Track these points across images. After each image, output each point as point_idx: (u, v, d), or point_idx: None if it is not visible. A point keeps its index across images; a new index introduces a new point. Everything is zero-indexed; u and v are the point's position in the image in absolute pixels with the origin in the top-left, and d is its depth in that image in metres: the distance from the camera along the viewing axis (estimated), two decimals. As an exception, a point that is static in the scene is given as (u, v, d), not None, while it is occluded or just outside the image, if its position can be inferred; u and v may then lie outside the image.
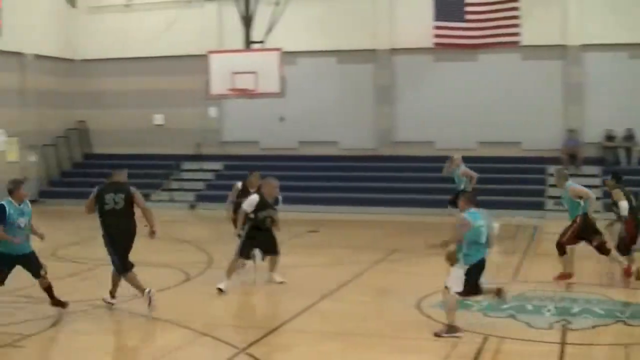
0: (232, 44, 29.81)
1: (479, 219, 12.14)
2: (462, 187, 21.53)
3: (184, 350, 11.65)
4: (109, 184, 14.45)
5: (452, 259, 12.36)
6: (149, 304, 13.52)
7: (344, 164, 31.44)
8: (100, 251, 18.23)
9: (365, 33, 31.62)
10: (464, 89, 30.75)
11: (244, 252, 15.69)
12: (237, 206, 16.48)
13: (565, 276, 16.16)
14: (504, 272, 16.61)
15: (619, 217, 16.61)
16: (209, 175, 32.66)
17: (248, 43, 27.37)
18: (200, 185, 32.16)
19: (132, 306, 14.15)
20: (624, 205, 16.13)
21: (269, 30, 27.24)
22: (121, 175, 14.58)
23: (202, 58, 27.39)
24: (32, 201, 30.09)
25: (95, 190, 14.36)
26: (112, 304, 14.15)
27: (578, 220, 15.97)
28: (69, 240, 22.06)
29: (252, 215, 15.45)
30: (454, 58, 30.60)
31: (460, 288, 12.00)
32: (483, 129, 30.47)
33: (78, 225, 23.68)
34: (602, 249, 16.21)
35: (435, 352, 11.47)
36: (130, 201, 14.10)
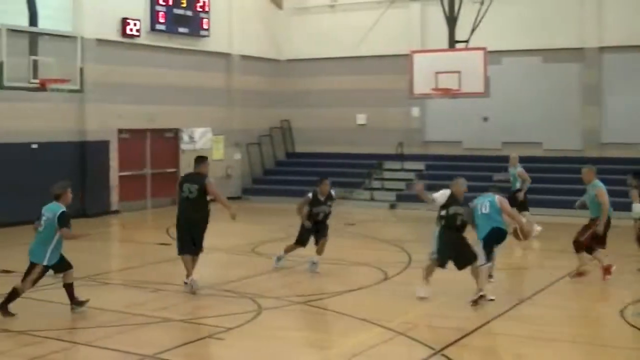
0: (435, 44, 29.59)
1: None
2: (516, 186, 22.98)
3: (379, 349, 11.54)
4: (189, 174, 16.06)
5: None
6: (190, 290, 14.97)
7: (548, 166, 30.64)
8: (304, 249, 18.49)
9: (572, 31, 30.74)
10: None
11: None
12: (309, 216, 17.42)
13: (580, 274, 16.39)
14: None
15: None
16: (410, 175, 32.49)
17: (452, 42, 27.05)
18: (401, 185, 32.04)
19: (326, 304, 14.19)
20: (636, 208, 16.85)
21: (474, 29, 26.85)
22: (201, 167, 15.75)
23: (405, 58, 27.25)
24: (235, 198, 31.06)
25: (179, 180, 16.17)
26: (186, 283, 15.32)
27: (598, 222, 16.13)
28: (270, 237, 22.40)
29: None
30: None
31: None
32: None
33: (280, 223, 24.03)
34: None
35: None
36: (204, 191, 15.29)
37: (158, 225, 24.63)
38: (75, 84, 20.05)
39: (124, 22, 28.52)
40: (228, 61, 33.59)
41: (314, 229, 17.41)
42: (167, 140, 31.06)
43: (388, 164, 33.43)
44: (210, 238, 20.76)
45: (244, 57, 34.12)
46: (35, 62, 19.27)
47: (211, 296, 14.82)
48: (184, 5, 30.71)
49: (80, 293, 15.18)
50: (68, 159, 26.52)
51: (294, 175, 32.70)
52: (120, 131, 28.82)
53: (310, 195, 17.40)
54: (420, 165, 32.83)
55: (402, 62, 28.52)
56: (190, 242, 15.49)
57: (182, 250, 15.50)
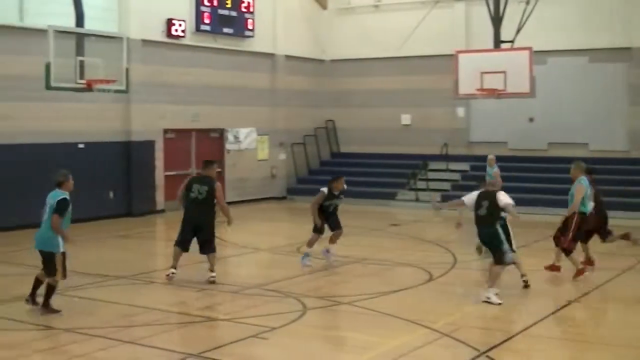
0: (479, 44, 29.41)
1: None
2: None
3: (424, 350, 11.47)
4: (200, 175, 16.77)
5: None
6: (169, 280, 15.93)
7: (595, 167, 30.30)
8: (348, 249, 18.48)
9: (619, 30, 30.41)
10: None
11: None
12: (320, 209, 18.21)
13: (554, 268, 16.73)
14: None
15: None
16: (455, 176, 32.35)
17: (497, 42, 26.88)
18: (446, 185, 31.89)
19: (371, 304, 14.16)
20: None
21: (519, 29, 26.66)
22: (209, 170, 16.58)
23: (450, 58, 27.12)
24: (280, 198, 31.01)
25: (186, 180, 16.70)
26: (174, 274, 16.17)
27: (576, 218, 16.38)
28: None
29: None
30: None
31: None
32: None
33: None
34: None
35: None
36: (212, 194, 16.01)
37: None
38: (121, 84, 20.18)
39: (169, 22, 28.67)
40: (272, 61, 33.66)
41: (325, 217, 18.26)
42: (213, 140, 31.18)
43: (433, 165, 33.30)
44: (254, 238, 20.83)
45: (289, 58, 34.18)
46: (81, 63, 19.42)
47: (256, 296, 14.85)
48: (229, 5, 30.83)
49: (126, 291, 15.35)
50: (114, 158, 26.73)
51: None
52: (166, 131, 28.99)
53: (325, 190, 18.17)
54: (465, 166, 32.66)
55: (446, 62, 28.38)
56: (189, 240, 16.28)
57: (178, 243, 16.33)
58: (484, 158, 31.38)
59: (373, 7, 35.33)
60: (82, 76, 19.33)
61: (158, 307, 13.90)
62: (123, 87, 20.24)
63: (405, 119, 34.69)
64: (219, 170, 30.50)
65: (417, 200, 31.17)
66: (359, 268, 17.87)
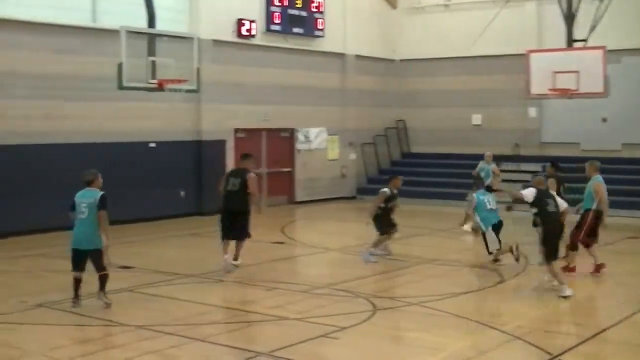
0: (551, 43, 29.06)
1: None
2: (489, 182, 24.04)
3: (494, 353, 11.35)
4: (235, 169, 18.54)
5: None
6: (224, 268, 16.95)
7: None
8: (418, 249, 18.38)
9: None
10: None
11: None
12: (382, 211, 18.65)
13: (569, 269, 16.68)
14: None
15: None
16: (527, 177, 32.00)
17: (570, 41, 26.53)
18: (517, 186, 31.54)
19: (441, 305, 14.07)
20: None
21: (593, 27, 26.29)
22: (246, 163, 17.81)
23: (521, 57, 26.82)
24: (350, 198, 30.92)
25: (225, 174, 18.13)
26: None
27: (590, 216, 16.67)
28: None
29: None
30: None
31: None
32: None
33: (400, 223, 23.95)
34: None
35: None
36: (245, 185, 17.08)
37: (273, 223, 24.77)
38: (192, 84, 20.31)
39: (240, 22, 28.81)
40: (342, 61, 33.65)
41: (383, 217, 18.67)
42: (283, 140, 31.26)
43: (504, 165, 32.91)
44: (324, 238, 20.82)
45: (359, 57, 34.15)
46: (153, 63, 19.58)
47: (326, 296, 14.84)
48: (299, 5, 30.89)
49: (196, 290, 15.45)
50: (185, 157, 26.93)
51: (410, 176, 32.45)
52: (236, 131, 29.14)
53: (387, 191, 18.59)
54: (536, 167, 32.25)
55: (517, 62, 28.05)
56: (228, 229, 17.28)
57: (223, 236, 17.36)
58: (555, 159, 31.09)
59: (443, 6, 35.14)
60: (153, 76, 19.48)
61: (228, 306, 13.98)
62: (194, 87, 20.36)
63: (476, 119, 34.45)
64: (289, 170, 30.74)
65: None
66: (429, 269, 17.78)
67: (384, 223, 18.69)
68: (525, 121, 33.15)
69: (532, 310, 13.97)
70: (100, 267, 13.86)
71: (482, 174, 24.32)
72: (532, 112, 32.91)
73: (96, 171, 14.37)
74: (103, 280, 13.93)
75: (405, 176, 32.50)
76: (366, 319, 13.02)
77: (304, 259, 19.98)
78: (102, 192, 13.95)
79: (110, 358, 10.77)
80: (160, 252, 19.64)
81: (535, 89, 25.82)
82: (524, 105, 32.07)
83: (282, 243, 21.34)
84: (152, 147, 25.90)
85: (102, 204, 13.81)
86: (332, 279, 16.39)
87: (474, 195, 19.00)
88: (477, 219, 18.48)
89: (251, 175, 17.27)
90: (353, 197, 33.61)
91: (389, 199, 18.60)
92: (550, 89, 25.13)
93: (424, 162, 34.20)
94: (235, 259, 17.39)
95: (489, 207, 18.44)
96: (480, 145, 33.27)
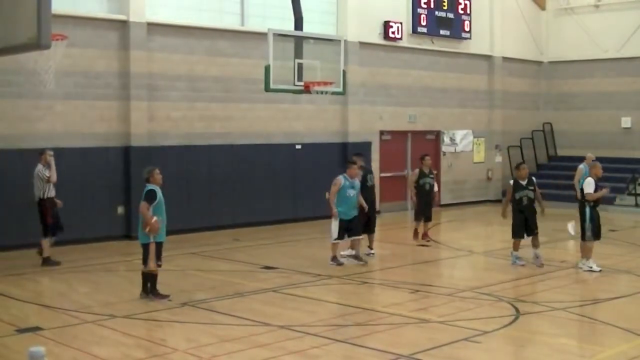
0: None
1: None
2: None
3: (641, 361, 11.12)
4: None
5: None
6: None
7: None
8: (560, 254, 18.06)
9: None
10: None
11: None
12: (516, 205, 18.27)
13: None
14: None
15: None
16: (677, 181, 31.14)
17: None
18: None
19: (587, 311, 13.82)
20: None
21: None
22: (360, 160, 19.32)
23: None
24: (495, 201, 30.71)
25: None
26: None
27: None
28: (530, 241, 22.10)
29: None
30: None
31: None
32: None
33: (541, 226, 23.60)
34: None
35: None
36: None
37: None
38: (338, 86, 20.45)
39: (387, 25, 28.91)
40: (489, 63, 33.38)
41: (523, 218, 18.03)
42: (428, 142, 31.20)
43: (654, 170, 32.17)
44: (469, 241, 20.73)
45: (506, 59, 33.82)
46: (300, 65, 19.81)
47: (469, 299, 14.77)
48: (446, 7, 30.79)
49: (340, 291, 15.59)
50: (331, 159, 27.12)
51: (556, 179, 32.03)
52: (382, 132, 29.24)
53: (511, 182, 18.41)
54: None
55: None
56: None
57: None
58: None
59: (593, 7, 34.42)
60: (300, 78, 19.71)
61: (371, 308, 14.04)
62: (340, 89, 20.50)
63: (626, 121, 33.61)
64: (434, 172, 30.72)
65: (636, 205, 30.18)
66: (574, 274, 17.46)
67: (515, 221, 18.26)
68: (678, 124, 32.26)
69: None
70: (143, 261, 14.41)
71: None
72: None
73: (152, 168, 14.74)
74: (143, 277, 14.50)
75: (552, 180, 32.24)
76: (509, 323, 12.91)
77: (449, 262, 19.92)
78: (149, 187, 14.31)
79: (254, 357, 10.96)
80: (308, 252, 19.87)
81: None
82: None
83: (426, 246, 21.30)
84: (298, 149, 26.21)
85: (145, 197, 14.24)
86: (475, 282, 16.29)
87: None
88: None
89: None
90: (499, 201, 33.23)
91: (515, 189, 18.06)
92: None
93: (571, 166, 33.51)
94: (371, 247, 19.51)
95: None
96: (629, 149, 32.64)
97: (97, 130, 21.95)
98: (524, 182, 18.08)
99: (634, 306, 14.60)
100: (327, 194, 19.04)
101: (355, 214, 18.37)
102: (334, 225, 18.23)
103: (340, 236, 18.28)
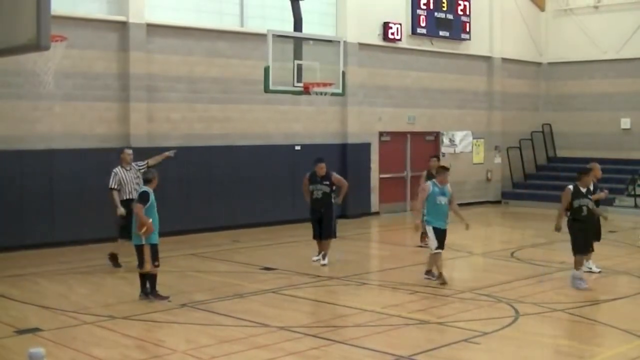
0: None
1: None
2: None
3: (641, 362, 11.12)
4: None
5: None
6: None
7: None
8: (559, 255, 18.10)
9: None
10: None
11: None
12: (572, 214, 16.35)
13: None
14: None
15: None
16: (677, 182, 31.14)
17: None
18: (669, 193, 30.75)
19: (586, 312, 13.82)
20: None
21: None
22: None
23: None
24: (495, 202, 30.71)
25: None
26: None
27: None
28: (530, 242, 22.13)
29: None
30: None
31: None
32: None
33: (540, 228, 23.62)
34: None
35: None
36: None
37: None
38: (338, 87, 20.45)
39: (386, 26, 28.91)
40: (489, 64, 33.39)
41: (584, 229, 16.16)
42: (428, 143, 31.19)
43: (655, 171, 32.18)
44: (468, 242, 20.73)
45: (505, 60, 33.84)
46: (299, 66, 19.82)
47: (469, 300, 14.77)
48: (445, 8, 30.80)
49: (339, 292, 15.58)
50: (330, 160, 27.01)
51: (555, 180, 32.01)
52: (381, 134, 29.25)
53: (571, 187, 16.34)
54: (688, 172, 31.40)
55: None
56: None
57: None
58: None
59: (592, 8, 34.43)
60: (299, 79, 19.72)
61: (370, 309, 14.03)
62: (339, 90, 20.51)
63: (625, 123, 33.62)
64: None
65: (635, 206, 30.19)
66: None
67: (575, 234, 16.26)
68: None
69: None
70: (139, 262, 14.52)
71: None
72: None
73: (154, 171, 15.10)
74: (141, 279, 14.63)
75: (551, 181, 32.23)
76: (508, 324, 12.90)
77: (448, 263, 19.84)
78: (144, 189, 14.44)
79: (253, 358, 10.96)
80: (307, 254, 19.87)
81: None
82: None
83: (424, 247, 21.29)
84: (297, 150, 26.21)
85: (138, 198, 14.38)
86: (475, 284, 16.30)
87: None
88: None
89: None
90: (498, 202, 33.30)
91: (575, 196, 16.15)
92: None
93: (570, 167, 33.52)
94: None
95: None
96: (629, 150, 32.65)
97: (96, 131, 21.95)
98: (584, 190, 16.26)
99: (634, 307, 14.61)
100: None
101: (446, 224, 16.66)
102: (430, 234, 16.46)
103: (441, 245, 16.46)
